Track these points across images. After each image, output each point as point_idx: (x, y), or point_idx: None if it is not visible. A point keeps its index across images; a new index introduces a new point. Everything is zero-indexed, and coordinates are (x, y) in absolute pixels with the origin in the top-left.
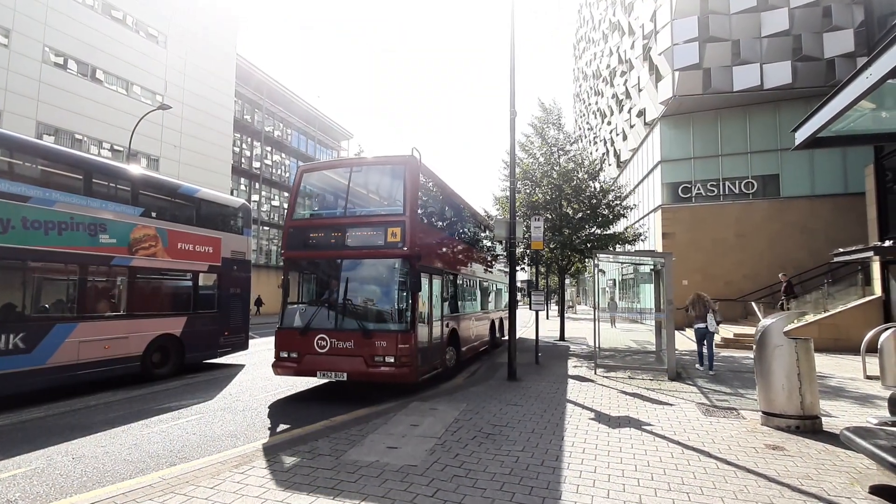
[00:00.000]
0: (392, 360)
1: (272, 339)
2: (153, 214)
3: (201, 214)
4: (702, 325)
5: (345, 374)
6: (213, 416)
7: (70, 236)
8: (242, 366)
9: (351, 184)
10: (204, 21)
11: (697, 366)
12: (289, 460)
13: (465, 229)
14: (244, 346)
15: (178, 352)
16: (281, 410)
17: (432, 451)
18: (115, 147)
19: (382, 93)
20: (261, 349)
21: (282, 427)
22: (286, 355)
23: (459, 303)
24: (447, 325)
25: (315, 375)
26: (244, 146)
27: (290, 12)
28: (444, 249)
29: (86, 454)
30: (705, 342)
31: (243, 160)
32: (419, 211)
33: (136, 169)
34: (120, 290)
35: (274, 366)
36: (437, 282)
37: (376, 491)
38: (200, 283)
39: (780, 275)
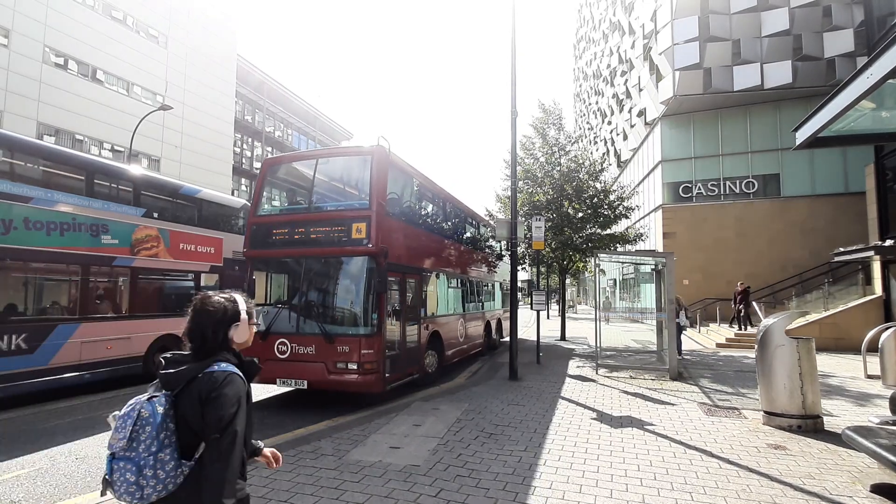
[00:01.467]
0: (355, 366)
1: None
2: (155, 215)
3: (203, 215)
4: (675, 321)
5: (305, 382)
6: None
7: (72, 237)
8: None
9: (316, 177)
10: (204, 21)
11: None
12: (292, 460)
13: (450, 225)
14: None
15: None
16: (284, 410)
17: (435, 451)
18: (116, 147)
19: (383, 92)
20: None
21: (284, 427)
22: None
23: (443, 303)
24: (426, 328)
25: (275, 383)
26: (245, 146)
27: (290, 11)
28: (422, 246)
29: (89, 454)
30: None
31: (244, 160)
32: (388, 205)
33: (138, 169)
34: (122, 291)
35: None
36: (412, 281)
37: (380, 491)
38: (202, 283)
39: (738, 283)
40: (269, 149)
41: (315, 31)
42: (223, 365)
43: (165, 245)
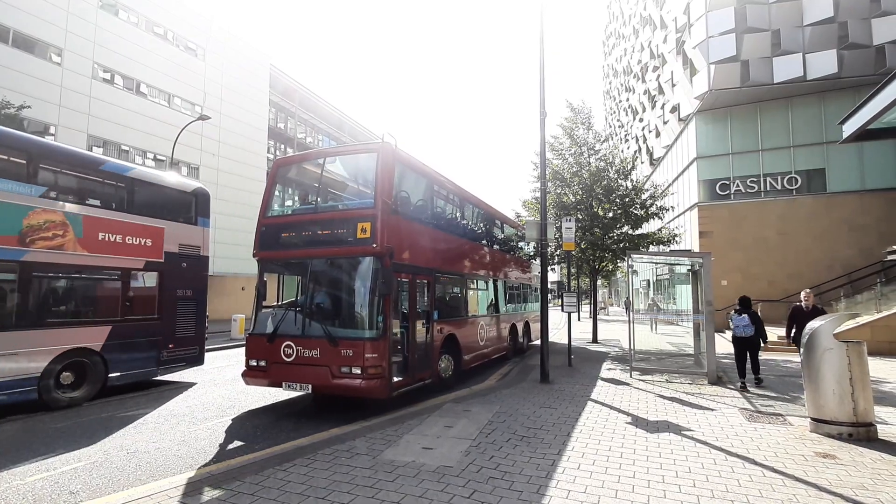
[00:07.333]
0: (359, 371)
1: None
2: (60, 195)
3: (136, 198)
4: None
5: (310, 387)
6: (250, 416)
7: None
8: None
9: (324, 176)
10: (239, 34)
11: None
12: (328, 459)
13: (467, 224)
14: (199, 361)
15: (98, 370)
16: (319, 410)
17: (467, 452)
18: (159, 157)
19: (406, 94)
20: None
21: (320, 426)
22: (255, 364)
23: (460, 305)
24: (440, 331)
25: (281, 386)
26: (277, 153)
27: (319, 15)
28: (434, 246)
29: (139, 449)
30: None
31: None
32: (397, 203)
33: (37, 138)
34: (6, 293)
35: (244, 375)
36: (424, 282)
37: (414, 491)
38: (134, 283)
39: (804, 294)
40: None
41: (338, 32)
42: (751, 312)
43: (76, 234)
